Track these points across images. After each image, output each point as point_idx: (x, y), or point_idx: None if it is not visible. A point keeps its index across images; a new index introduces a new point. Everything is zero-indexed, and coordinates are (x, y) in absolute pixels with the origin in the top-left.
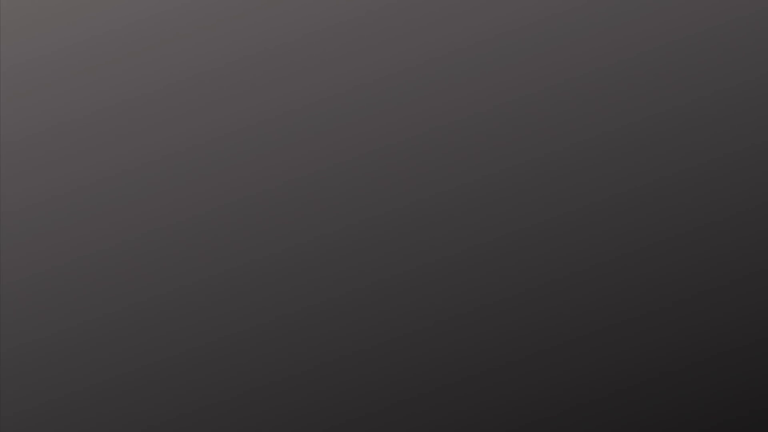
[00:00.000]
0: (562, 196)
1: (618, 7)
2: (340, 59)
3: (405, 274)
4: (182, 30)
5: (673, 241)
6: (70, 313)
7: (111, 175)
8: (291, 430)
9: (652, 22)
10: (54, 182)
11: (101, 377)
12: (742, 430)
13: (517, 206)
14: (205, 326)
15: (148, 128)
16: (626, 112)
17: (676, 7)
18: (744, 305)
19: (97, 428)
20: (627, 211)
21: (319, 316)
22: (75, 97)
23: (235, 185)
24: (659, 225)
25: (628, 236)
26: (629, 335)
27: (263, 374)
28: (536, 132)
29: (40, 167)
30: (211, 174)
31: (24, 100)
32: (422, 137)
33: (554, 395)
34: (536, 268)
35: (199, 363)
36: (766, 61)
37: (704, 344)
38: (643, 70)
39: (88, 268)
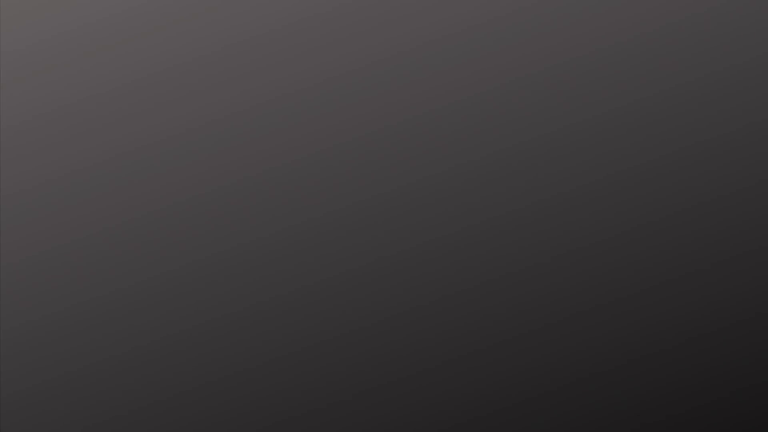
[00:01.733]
0: (545, 182)
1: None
2: (326, 47)
3: (384, 259)
4: (172, 18)
5: (653, 226)
6: (59, 299)
7: (96, 162)
8: (277, 411)
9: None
10: (38, 169)
11: (85, 362)
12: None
13: (499, 193)
14: (194, 309)
15: (137, 115)
16: (611, 100)
17: None
18: (725, 287)
19: (87, 411)
20: (609, 196)
21: (306, 299)
22: (62, 85)
23: (222, 171)
24: (640, 210)
25: (610, 221)
26: (610, 318)
27: (251, 356)
28: (519, 119)
29: (29, 154)
30: (205, 159)
31: (15, 88)
32: (407, 124)
33: (539, 376)
34: (515, 254)
35: (187, 347)
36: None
37: (684, 327)
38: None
39: (74, 254)
